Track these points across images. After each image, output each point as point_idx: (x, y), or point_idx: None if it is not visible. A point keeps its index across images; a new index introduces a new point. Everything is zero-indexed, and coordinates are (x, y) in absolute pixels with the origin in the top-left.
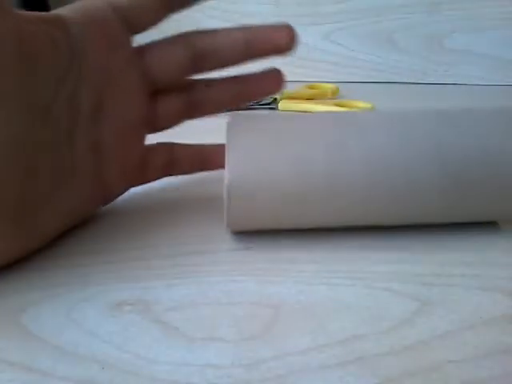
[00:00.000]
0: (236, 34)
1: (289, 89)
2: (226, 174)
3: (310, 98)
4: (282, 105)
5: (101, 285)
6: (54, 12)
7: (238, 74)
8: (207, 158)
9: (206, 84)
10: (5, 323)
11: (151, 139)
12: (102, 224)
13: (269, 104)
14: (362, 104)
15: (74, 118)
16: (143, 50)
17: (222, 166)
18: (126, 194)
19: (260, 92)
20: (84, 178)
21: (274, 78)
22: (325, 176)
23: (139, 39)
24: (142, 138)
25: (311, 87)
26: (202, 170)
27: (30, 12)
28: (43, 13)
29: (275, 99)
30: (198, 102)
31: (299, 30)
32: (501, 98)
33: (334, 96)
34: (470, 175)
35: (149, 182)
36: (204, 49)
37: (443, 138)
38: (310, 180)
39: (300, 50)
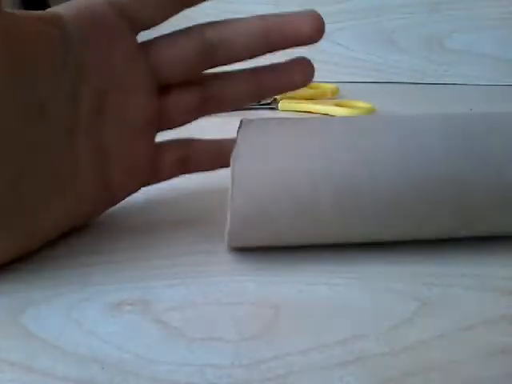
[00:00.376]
0: (252, 23)
1: None
2: (228, 216)
3: (310, 98)
4: (282, 105)
5: (101, 285)
6: (49, 10)
7: (259, 65)
8: (225, 153)
9: (223, 77)
10: (5, 323)
11: (172, 135)
12: (102, 224)
13: (269, 104)
14: (362, 104)
15: (75, 117)
16: (149, 45)
17: None
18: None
19: (283, 85)
20: (87, 178)
21: (301, 69)
22: (332, 217)
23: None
24: (151, 137)
25: (311, 87)
26: (219, 166)
27: (23, 11)
28: (38, 11)
29: (275, 99)
30: (214, 96)
31: None
32: (501, 98)
33: (333, 96)
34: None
35: (161, 180)
36: (214, 40)
37: (457, 164)
38: (316, 224)
39: (300, 50)
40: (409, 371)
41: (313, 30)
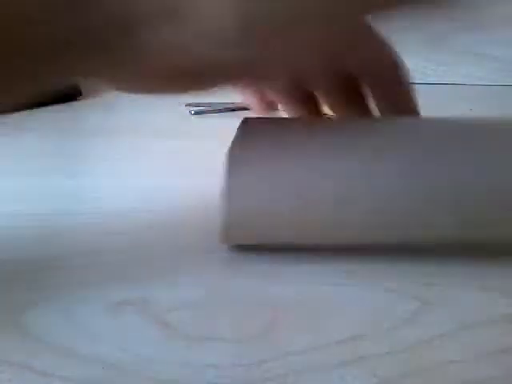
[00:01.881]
0: None
1: None
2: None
3: None
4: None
5: (101, 285)
6: None
7: None
8: None
9: None
10: (5, 323)
11: None
12: (101, 224)
13: None
14: None
15: None
16: None
17: None
18: (126, 195)
19: None
20: None
21: None
22: (333, 214)
23: None
24: None
25: None
26: None
27: None
28: None
29: None
30: None
31: None
32: (501, 98)
33: None
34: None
35: None
36: None
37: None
38: (315, 216)
39: None
40: (409, 371)
41: None
